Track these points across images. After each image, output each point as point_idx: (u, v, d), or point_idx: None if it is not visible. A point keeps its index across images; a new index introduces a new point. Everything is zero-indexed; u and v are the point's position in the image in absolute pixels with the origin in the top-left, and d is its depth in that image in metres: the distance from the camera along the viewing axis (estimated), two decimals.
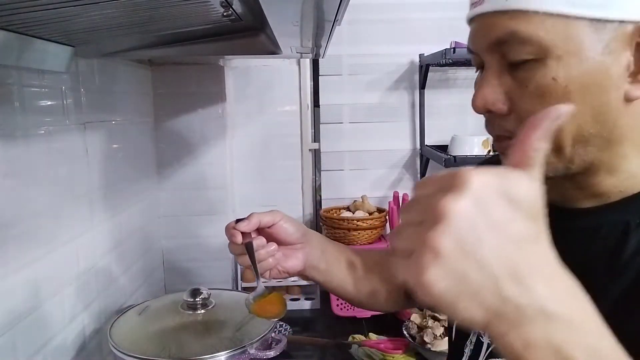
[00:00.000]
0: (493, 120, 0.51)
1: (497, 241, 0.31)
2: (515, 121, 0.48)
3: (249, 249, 0.68)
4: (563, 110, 0.35)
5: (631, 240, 0.46)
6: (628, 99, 0.46)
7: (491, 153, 1.44)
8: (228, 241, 0.71)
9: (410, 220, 0.33)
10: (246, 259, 0.69)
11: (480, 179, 0.31)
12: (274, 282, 1.55)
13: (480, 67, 0.52)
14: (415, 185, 0.35)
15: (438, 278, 0.30)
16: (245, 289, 1.50)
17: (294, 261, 0.72)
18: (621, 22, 0.44)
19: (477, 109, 0.50)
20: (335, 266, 0.76)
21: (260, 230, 0.71)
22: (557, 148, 0.47)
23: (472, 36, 0.51)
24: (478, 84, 0.50)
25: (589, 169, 0.49)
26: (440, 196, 0.31)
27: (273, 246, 0.70)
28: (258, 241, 0.69)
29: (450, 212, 0.30)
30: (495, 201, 0.31)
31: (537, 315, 0.31)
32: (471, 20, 0.51)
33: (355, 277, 0.77)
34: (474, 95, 0.50)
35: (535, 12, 0.44)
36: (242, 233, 0.68)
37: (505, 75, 0.48)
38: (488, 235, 0.31)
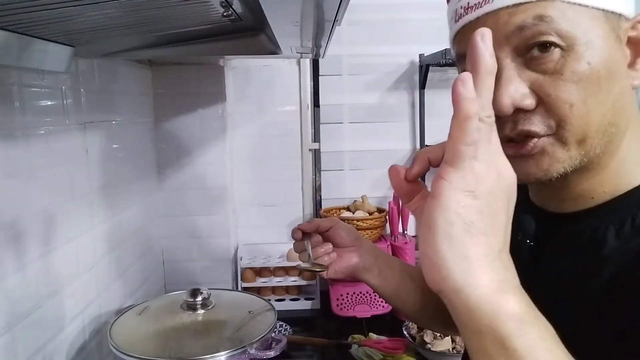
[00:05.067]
0: (507, 122, 0.47)
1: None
2: (542, 117, 0.46)
3: (307, 244, 0.82)
4: (484, 30, 0.35)
5: (609, 242, 0.47)
6: (633, 88, 0.48)
7: None
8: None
9: None
10: (305, 255, 0.80)
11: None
12: (274, 282, 1.55)
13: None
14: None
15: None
16: (245, 289, 1.50)
17: (347, 261, 0.80)
18: (620, 15, 0.47)
19: (505, 107, 0.45)
20: (389, 273, 0.81)
21: (320, 234, 0.82)
22: (582, 139, 0.46)
23: None
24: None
25: (588, 162, 0.48)
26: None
27: (328, 245, 0.81)
28: (315, 238, 0.81)
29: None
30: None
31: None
32: (477, 20, 0.47)
33: (411, 288, 0.81)
34: (498, 95, 0.45)
35: (559, 1, 0.45)
36: (303, 233, 0.80)
37: (524, 71, 0.47)
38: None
